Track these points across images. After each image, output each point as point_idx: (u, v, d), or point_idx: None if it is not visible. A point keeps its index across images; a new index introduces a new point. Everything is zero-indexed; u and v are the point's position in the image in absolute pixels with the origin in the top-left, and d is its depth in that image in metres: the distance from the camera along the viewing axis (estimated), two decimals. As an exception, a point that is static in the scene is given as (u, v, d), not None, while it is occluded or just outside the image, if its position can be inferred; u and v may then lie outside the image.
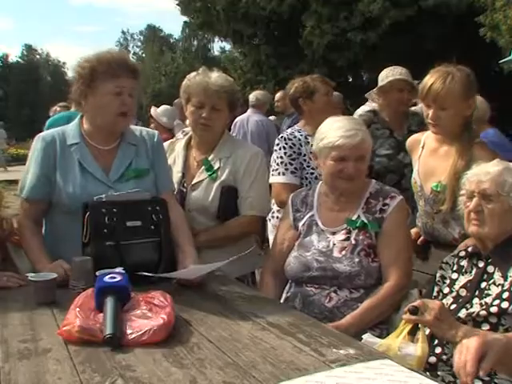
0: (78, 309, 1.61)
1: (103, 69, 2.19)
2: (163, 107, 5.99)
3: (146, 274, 1.95)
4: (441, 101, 2.44)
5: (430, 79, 2.48)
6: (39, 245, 2.24)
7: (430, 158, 2.62)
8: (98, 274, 1.78)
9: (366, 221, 2.24)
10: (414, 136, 2.82)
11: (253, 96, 6.58)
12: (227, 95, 2.60)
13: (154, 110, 5.96)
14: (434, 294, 2.07)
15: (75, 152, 2.26)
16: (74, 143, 2.27)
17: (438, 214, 2.55)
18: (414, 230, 2.70)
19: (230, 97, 2.61)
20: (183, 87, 2.67)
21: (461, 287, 1.97)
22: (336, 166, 2.25)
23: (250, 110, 6.43)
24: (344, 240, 2.25)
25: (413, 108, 3.68)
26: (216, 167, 2.62)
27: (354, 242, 2.23)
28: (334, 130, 2.27)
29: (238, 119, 6.31)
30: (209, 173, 2.62)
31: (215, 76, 2.60)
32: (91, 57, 2.24)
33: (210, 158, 2.64)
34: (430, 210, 2.59)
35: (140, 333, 1.54)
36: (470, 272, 1.98)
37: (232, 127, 6.26)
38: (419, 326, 1.82)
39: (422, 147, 2.67)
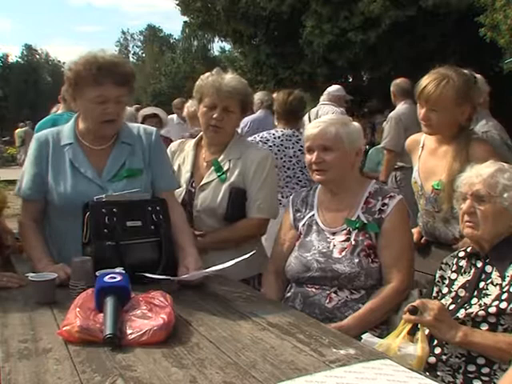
0: (78, 309, 1.61)
1: (86, 74, 2.15)
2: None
3: (147, 275, 1.95)
4: (432, 102, 2.46)
5: (425, 80, 2.49)
6: (41, 245, 2.24)
7: (429, 157, 2.63)
8: (97, 274, 1.78)
9: (365, 221, 2.25)
10: (413, 136, 2.83)
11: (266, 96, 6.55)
12: (240, 97, 2.59)
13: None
14: (434, 294, 2.07)
15: (68, 152, 2.27)
16: (68, 143, 2.28)
17: (439, 213, 2.56)
18: (414, 230, 2.70)
19: (242, 99, 2.61)
20: (196, 87, 2.66)
21: (459, 287, 1.98)
22: (307, 158, 2.37)
23: (263, 112, 6.36)
24: (344, 241, 2.25)
25: None
26: (225, 168, 2.61)
27: (353, 242, 2.23)
28: (308, 126, 2.45)
29: (254, 118, 6.23)
30: (218, 174, 2.61)
31: (229, 77, 2.60)
32: (79, 60, 2.20)
33: (219, 159, 2.63)
34: (431, 209, 2.59)
35: (140, 333, 1.54)
36: (469, 272, 1.99)
37: (248, 127, 6.17)
38: (419, 325, 1.82)
39: (422, 147, 2.68)
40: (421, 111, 2.53)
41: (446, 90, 2.44)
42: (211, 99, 2.58)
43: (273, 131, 4.11)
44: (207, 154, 2.70)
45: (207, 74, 2.68)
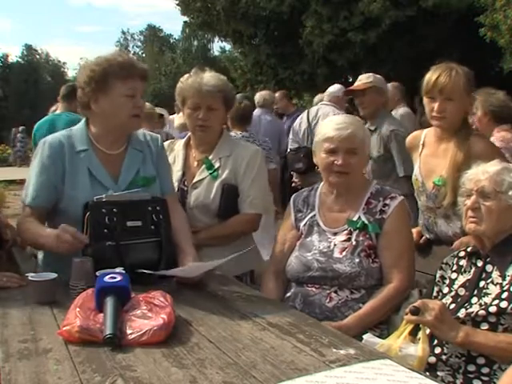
0: (78, 309, 1.61)
1: (116, 70, 2.17)
2: None
3: (146, 271, 1.96)
4: (448, 92, 2.48)
5: (434, 73, 2.52)
6: (39, 225, 2.17)
7: (430, 156, 2.65)
8: (98, 274, 1.78)
9: (366, 222, 2.25)
10: (414, 134, 2.85)
11: (260, 96, 6.58)
12: (222, 94, 2.61)
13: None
14: (434, 294, 2.07)
15: (84, 159, 2.23)
16: (83, 149, 2.24)
17: (440, 209, 2.57)
18: (415, 230, 2.70)
19: (224, 95, 2.62)
20: (177, 90, 2.68)
21: (460, 286, 1.98)
22: (327, 158, 2.29)
23: (258, 110, 6.41)
24: (345, 241, 2.25)
25: None
26: (217, 166, 2.63)
27: (354, 242, 2.23)
28: (327, 124, 2.36)
29: None
30: (210, 171, 2.63)
31: (207, 76, 2.61)
32: (101, 59, 2.20)
33: (210, 157, 2.65)
34: (432, 205, 2.61)
35: (140, 333, 1.54)
36: (469, 271, 1.99)
37: None
38: (420, 326, 1.82)
39: (423, 145, 2.69)
40: (433, 105, 2.51)
41: (457, 78, 2.48)
42: (193, 100, 2.60)
43: (233, 133, 4.52)
44: (197, 154, 2.73)
45: (186, 75, 2.69)
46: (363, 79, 4.24)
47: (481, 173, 1.99)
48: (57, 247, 2.01)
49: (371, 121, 4.15)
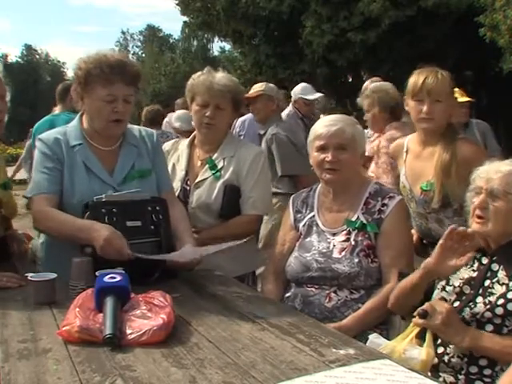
0: (77, 309, 1.61)
1: (97, 73, 2.15)
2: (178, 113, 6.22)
3: (142, 256, 1.97)
4: (436, 93, 2.49)
5: (420, 76, 2.53)
6: (72, 216, 2.11)
7: (415, 161, 2.65)
8: (97, 274, 1.78)
9: (365, 222, 2.25)
10: (397, 141, 2.86)
11: None
12: (231, 95, 2.62)
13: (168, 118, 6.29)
14: (438, 286, 2.04)
15: (79, 153, 2.24)
16: (77, 144, 2.25)
17: (431, 214, 2.56)
18: (415, 234, 2.69)
19: (234, 96, 2.63)
20: (188, 86, 2.69)
21: (464, 284, 1.94)
22: (318, 156, 2.31)
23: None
24: (344, 241, 2.25)
25: None
26: (220, 166, 2.64)
27: (353, 242, 2.22)
28: (318, 123, 2.39)
29: (245, 118, 6.29)
30: (212, 171, 2.63)
31: (220, 76, 2.63)
32: (90, 58, 2.20)
33: (213, 157, 2.66)
34: (422, 211, 2.60)
35: (140, 333, 1.54)
36: (472, 266, 1.95)
37: (239, 126, 6.25)
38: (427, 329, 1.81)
39: (406, 152, 2.69)
40: (421, 107, 2.51)
41: (443, 80, 2.51)
42: (203, 98, 2.60)
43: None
44: (201, 153, 2.73)
45: (198, 73, 2.71)
46: (256, 88, 4.66)
47: (493, 171, 1.93)
48: (103, 252, 1.98)
49: (263, 126, 4.58)
